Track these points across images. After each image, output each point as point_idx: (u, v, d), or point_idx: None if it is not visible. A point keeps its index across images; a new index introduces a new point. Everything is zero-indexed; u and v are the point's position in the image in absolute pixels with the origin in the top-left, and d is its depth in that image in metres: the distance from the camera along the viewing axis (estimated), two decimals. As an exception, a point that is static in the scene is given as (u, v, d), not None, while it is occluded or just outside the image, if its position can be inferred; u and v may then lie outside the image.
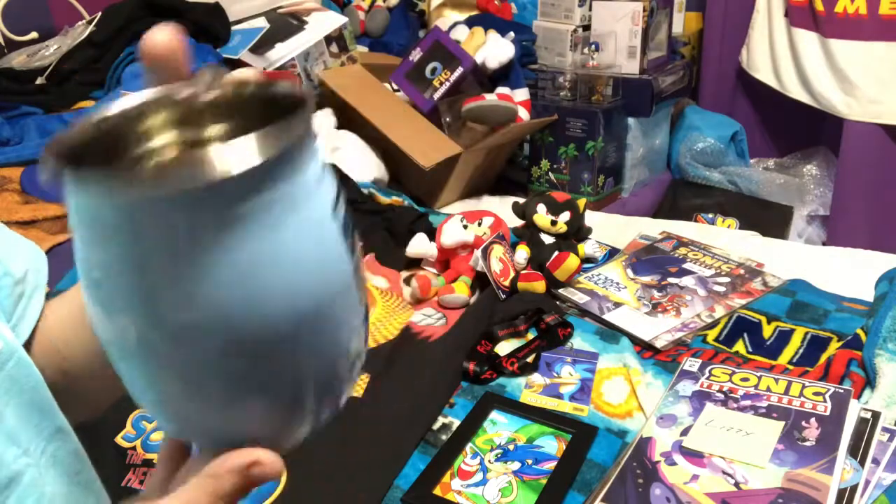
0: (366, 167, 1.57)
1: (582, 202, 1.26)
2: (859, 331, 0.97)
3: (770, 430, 0.78)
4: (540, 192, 1.31)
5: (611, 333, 1.05)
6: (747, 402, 0.83)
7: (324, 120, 1.66)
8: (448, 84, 1.65)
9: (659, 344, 1.03)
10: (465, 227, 1.24)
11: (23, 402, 0.45)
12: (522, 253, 1.18)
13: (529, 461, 0.82)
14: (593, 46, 1.82)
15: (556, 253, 1.17)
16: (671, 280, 1.20)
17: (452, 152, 1.56)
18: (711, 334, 1.05)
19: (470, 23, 1.81)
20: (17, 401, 0.45)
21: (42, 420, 0.47)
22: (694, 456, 0.76)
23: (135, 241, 0.26)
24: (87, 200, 0.27)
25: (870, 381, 0.90)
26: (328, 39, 1.83)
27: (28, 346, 0.50)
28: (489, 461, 0.82)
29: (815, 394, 0.83)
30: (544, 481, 0.79)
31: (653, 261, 1.27)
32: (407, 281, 1.21)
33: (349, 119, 1.67)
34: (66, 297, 0.53)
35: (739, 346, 1.02)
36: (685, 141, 2.04)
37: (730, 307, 1.12)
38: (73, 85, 1.58)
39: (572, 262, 1.14)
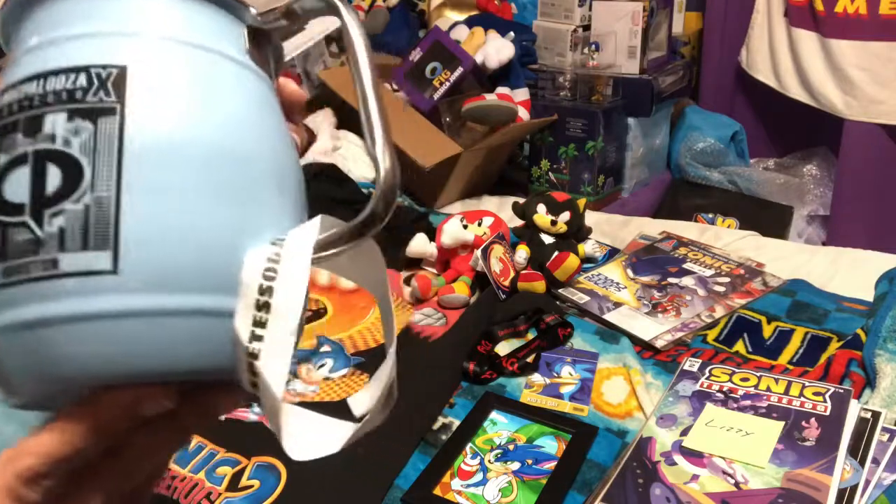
0: (366, 167, 1.57)
1: (582, 202, 1.26)
2: (859, 331, 0.97)
3: (770, 430, 0.78)
4: (540, 192, 1.31)
5: (611, 333, 1.05)
6: (747, 402, 0.83)
7: (324, 120, 1.66)
8: (448, 84, 1.65)
9: (659, 344, 1.03)
10: (465, 227, 1.24)
11: None
12: (522, 253, 1.18)
13: (529, 461, 0.82)
14: (593, 46, 1.82)
15: (556, 253, 1.17)
16: (671, 280, 1.20)
17: (452, 152, 1.56)
18: (711, 334, 1.05)
19: (470, 23, 1.81)
20: None
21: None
22: (694, 456, 0.76)
23: None
24: None
25: (870, 381, 0.90)
26: (328, 39, 1.83)
27: None
28: (489, 461, 0.82)
29: (815, 394, 0.83)
30: (544, 481, 0.79)
31: (653, 261, 1.27)
32: (407, 281, 1.21)
33: (349, 119, 1.67)
34: None
35: (739, 346, 1.02)
36: (685, 141, 2.04)
37: (730, 307, 1.12)
38: (73, 85, 1.58)
39: (572, 262, 1.14)
